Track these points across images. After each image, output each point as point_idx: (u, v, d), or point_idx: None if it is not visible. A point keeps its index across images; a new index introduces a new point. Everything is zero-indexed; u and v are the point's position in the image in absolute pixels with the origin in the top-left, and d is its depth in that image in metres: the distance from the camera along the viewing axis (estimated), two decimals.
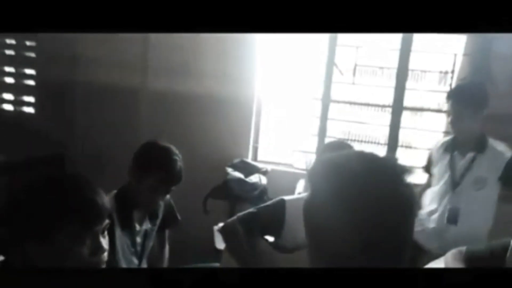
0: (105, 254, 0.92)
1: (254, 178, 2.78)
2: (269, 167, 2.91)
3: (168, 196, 1.79)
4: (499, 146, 1.97)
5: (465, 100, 1.90)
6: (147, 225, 1.70)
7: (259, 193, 2.80)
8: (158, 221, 1.77)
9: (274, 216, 1.68)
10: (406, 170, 0.67)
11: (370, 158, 0.69)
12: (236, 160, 2.87)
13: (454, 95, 1.95)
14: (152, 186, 1.54)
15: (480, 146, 1.96)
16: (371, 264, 0.63)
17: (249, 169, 2.82)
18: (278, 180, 2.83)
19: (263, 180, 2.81)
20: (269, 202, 1.75)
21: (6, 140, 3.00)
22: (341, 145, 1.86)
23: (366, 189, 0.63)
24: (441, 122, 2.79)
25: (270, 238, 1.76)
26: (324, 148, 1.79)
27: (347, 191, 0.64)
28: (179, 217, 1.89)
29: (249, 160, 2.94)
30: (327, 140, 2.93)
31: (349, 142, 2.63)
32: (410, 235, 0.66)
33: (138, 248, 1.67)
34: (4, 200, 0.90)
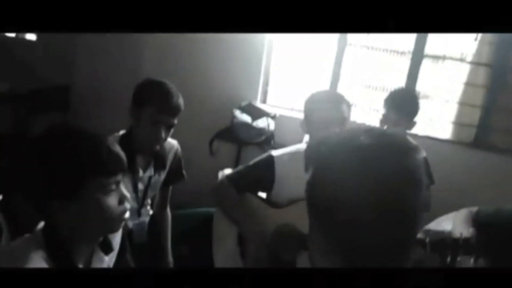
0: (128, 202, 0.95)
1: (261, 123, 2.71)
2: (278, 112, 2.83)
3: (178, 149, 1.76)
4: None
5: (402, 109, 1.92)
6: (151, 172, 1.67)
7: (266, 138, 2.76)
8: (164, 172, 1.73)
9: (263, 173, 1.67)
10: (413, 146, 0.63)
11: (377, 133, 0.64)
12: (244, 103, 2.78)
13: (392, 103, 1.94)
14: (152, 118, 1.50)
15: None
16: (386, 234, 0.60)
17: (257, 113, 2.74)
18: (286, 126, 2.76)
19: (271, 125, 2.74)
20: (257, 158, 1.73)
21: (9, 68, 2.95)
22: (331, 96, 1.70)
23: (375, 163, 0.60)
24: (463, 72, 2.63)
25: (262, 194, 1.75)
26: (312, 98, 1.62)
27: (356, 166, 0.60)
28: (185, 174, 1.85)
29: (258, 103, 2.85)
30: (340, 87, 2.81)
31: (340, 91, 2.44)
32: (420, 209, 0.61)
33: (140, 194, 1.65)
34: (25, 161, 0.89)
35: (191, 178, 1.89)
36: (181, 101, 1.54)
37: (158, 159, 1.68)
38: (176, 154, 1.76)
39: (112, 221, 0.93)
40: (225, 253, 1.68)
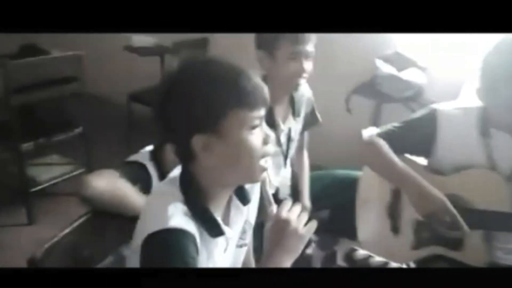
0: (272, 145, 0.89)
1: (409, 74, 2.34)
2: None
3: (309, 92, 1.67)
4: None
5: None
6: (290, 123, 1.59)
7: (414, 93, 2.38)
8: (301, 119, 1.65)
9: (422, 131, 1.36)
10: None
11: None
12: (389, 52, 2.42)
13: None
14: (289, 53, 1.42)
15: None
16: None
17: (404, 63, 2.37)
18: (440, 78, 2.34)
19: (421, 77, 2.35)
20: (416, 114, 1.43)
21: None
22: None
23: None
24: None
25: (420, 159, 1.45)
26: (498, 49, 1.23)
27: None
28: (319, 118, 1.74)
29: (405, 52, 2.46)
30: None
31: None
32: None
33: (284, 148, 1.58)
34: (168, 97, 0.84)
35: (325, 137, 1.72)
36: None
37: (294, 107, 1.59)
38: (309, 98, 1.68)
39: (254, 164, 0.85)
40: (371, 219, 1.46)
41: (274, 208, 0.93)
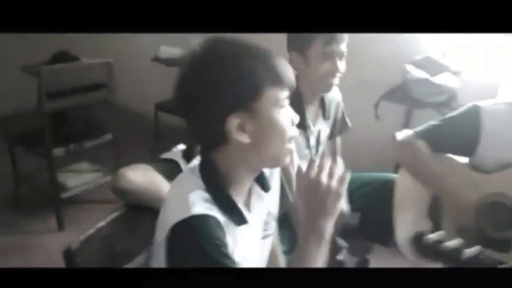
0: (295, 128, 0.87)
1: (441, 79, 2.27)
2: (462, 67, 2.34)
3: (339, 96, 1.66)
4: None
5: None
6: (320, 125, 1.57)
7: (446, 98, 2.30)
8: (329, 123, 1.63)
9: (465, 128, 1.31)
10: None
11: None
12: (419, 57, 2.37)
13: None
14: (323, 53, 1.40)
15: None
16: None
17: (436, 68, 2.31)
18: (474, 82, 2.27)
19: (454, 81, 2.28)
20: (457, 111, 1.38)
21: None
22: None
23: None
24: None
25: (462, 158, 1.39)
26: None
27: None
28: (349, 123, 1.73)
29: (436, 56, 2.40)
30: None
31: None
32: None
33: (313, 151, 1.55)
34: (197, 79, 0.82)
35: (355, 142, 1.67)
36: None
37: (325, 109, 1.57)
38: (339, 102, 1.67)
39: (282, 145, 0.84)
40: (410, 222, 1.39)
41: (301, 167, 0.86)
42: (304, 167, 0.85)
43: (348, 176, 0.83)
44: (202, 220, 0.77)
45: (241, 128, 0.80)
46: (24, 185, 2.54)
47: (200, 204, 0.79)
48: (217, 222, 0.78)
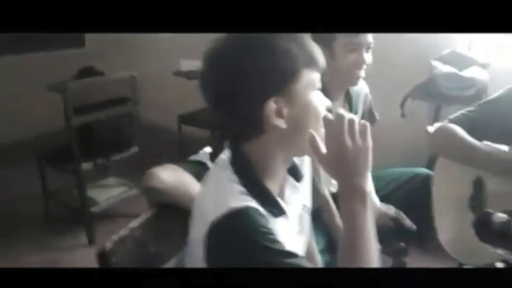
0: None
1: (470, 72, 2.20)
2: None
3: (367, 89, 1.62)
4: None
5: None
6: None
7: (476, 91, 2.23)
8: (358, 117, 1.55)
9: (505, 111, 1.26)
10: None
11: None
12: (446, 52, 2.31)
13: None
14: (349, 45, 1.37)
15: None
16: None
17: (463, 62, 2.24)
18: (504, 74, 2.19)
19: (483, 74, 2.21)
20: (493, 95, 1.34)
21: None
22: None
23: None
24: None
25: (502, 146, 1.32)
26: None
27: None
28: (377, 115, 1.69)
29: (463, 50, 2.34)
30: None
31: None
32: None
33: None
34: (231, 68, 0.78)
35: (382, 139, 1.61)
36: None
37: (351, 103, 1.54)
38: (366, 94, 1.64)
39: (319, 130, 0.80)
40: (452, 216, 1.33)
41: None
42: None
43: (368, 126, 0.77)
44: (243, 211, 0.73)
45: (279, 113, 0.77)
46: (53, 202, 2.57)
47: (237, 197, 0.76)
48: (258, 212, 0.75)
